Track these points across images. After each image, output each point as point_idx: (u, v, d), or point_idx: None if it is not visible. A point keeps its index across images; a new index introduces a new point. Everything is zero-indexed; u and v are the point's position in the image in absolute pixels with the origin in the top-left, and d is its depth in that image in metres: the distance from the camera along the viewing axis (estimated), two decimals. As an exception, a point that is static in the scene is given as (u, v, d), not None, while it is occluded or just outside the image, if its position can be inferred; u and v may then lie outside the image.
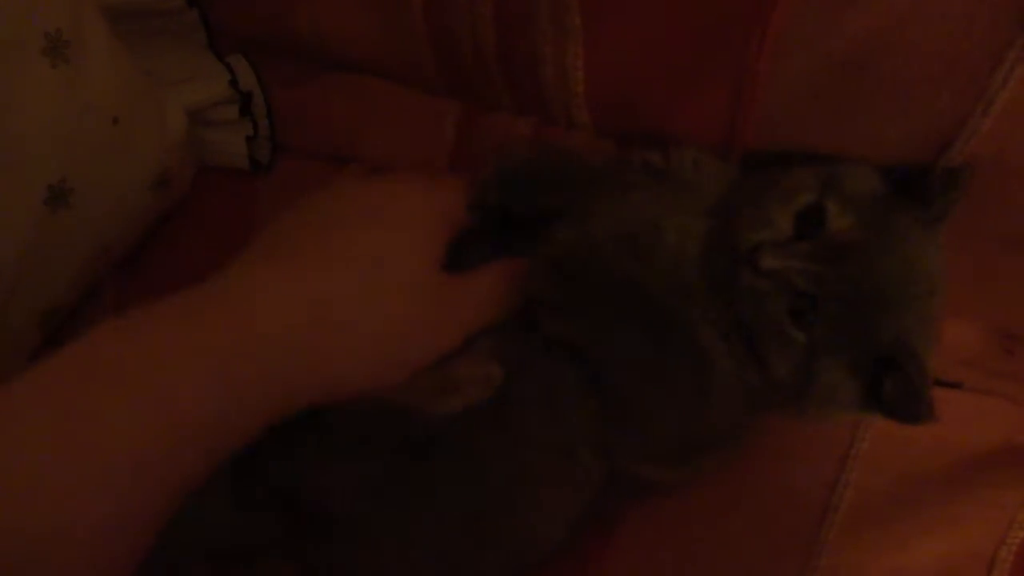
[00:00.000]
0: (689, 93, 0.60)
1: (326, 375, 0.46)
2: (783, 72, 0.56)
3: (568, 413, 0.51)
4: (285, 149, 0.70)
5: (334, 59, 0.66)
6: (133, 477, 0.41)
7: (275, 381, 0.44)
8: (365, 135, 0.68)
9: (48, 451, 0.40)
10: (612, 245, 0.51)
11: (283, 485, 0.50)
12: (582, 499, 0.53)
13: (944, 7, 0.51)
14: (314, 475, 0.50)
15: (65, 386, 0.42)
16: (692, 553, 0.60)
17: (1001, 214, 0.59)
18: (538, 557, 0.55)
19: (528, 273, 0.52)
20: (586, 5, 0.58)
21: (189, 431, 0.42)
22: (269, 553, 0.52)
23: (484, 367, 0.49)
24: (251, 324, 0.44)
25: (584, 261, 0.51)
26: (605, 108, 0.63)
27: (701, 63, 0.58)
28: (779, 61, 0.56)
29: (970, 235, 0.60)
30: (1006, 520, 0.61)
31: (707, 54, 0.58)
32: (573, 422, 0.51)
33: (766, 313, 0.47)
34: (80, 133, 0.58)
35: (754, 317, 0.48)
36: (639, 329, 0.50)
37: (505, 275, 0.52)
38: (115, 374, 0.42)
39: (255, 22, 0.65)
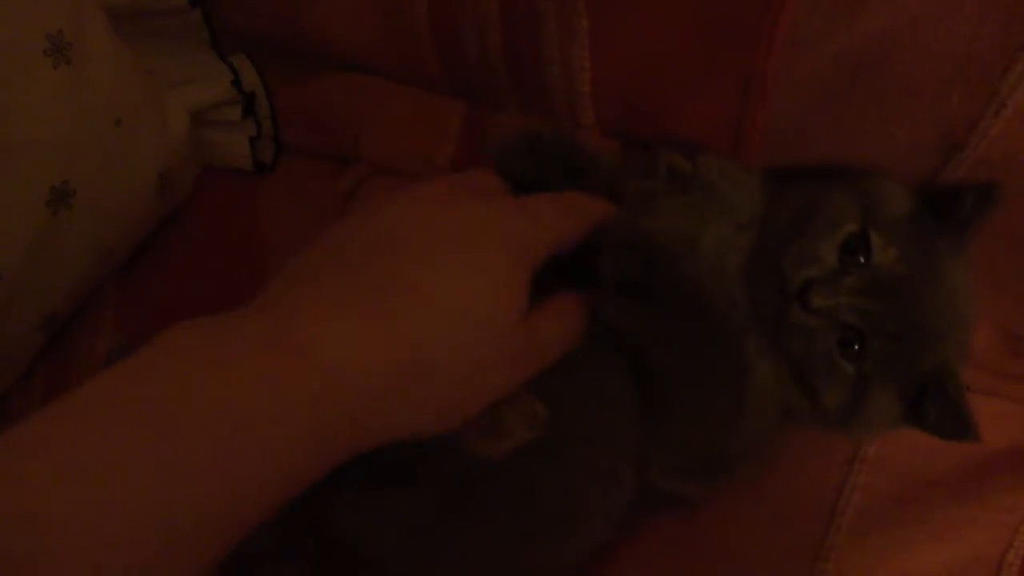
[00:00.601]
0: (696, 94, 0.60)
1: (407, 420, 0.42)
2: (792, 73, 0.56)
3: (613, 428, 0.50)
4: (288, 149, 0.70)
5: (338, 59, 0.66)
6: (194, 526, 0.35)
7: (355, 427, 0.40)
8: (369, 135, 0.68)
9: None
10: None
11: (322, 516, 0.48)
12: (615, 518, 0.53)
13: (955, 8, 0.51)
14: (357, 509, 0.48)
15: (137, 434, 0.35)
16: (699, 557, 0.60)
17: (1010, 216, 0.58)
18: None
19: (603, 254, 0.48)
20: (593, 7, 0.57)
21: (256, 481, 0.37)
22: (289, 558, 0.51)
23: (530, 406, 0.47)
24: (334, 368, 0.39)
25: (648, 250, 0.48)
26: (611, 109, 0.63)
27: (708, 64, 0.58)
28: (788, 62, 0.55)
29: (979, 236, 0.60)
30: (1013, 524, 0.61)
31: (715, 55, 0.57)
32: (617, 437, 0.50)
33: (816, 347, 0.48)
34: (82, 134, 0.57)
35: (803, 351, 0.48)
36: (690, 322, 0.48)
37: (577, 305, 0.48)
38: (175, 410, 0.36)
39: (258, 22, 0.65)
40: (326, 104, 0.68)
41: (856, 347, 0.47)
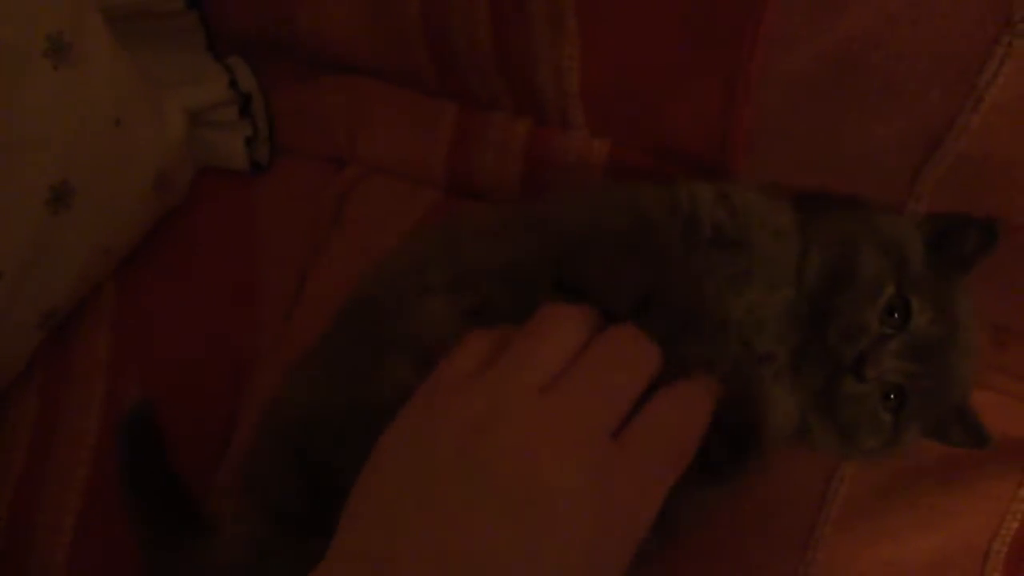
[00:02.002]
0: (683, 93, 0.61)
1: None
2: (775, 72, 0.57)
3: None
4: (284, 150, 0.71)
5: (333, 61, 0.67)
6: None
7: None
8: (364, 136, 0.69)
9: None
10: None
11: None
12: None
13: (932, 5, 0.52)
14: None
15: None
16: (688, 548, 0.60)
17: (990, 207, 0.59)
18: None
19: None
20: (582, 7, 0.58)
21: None
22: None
23: None
24: None
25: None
26: (600, 108, 0.64)
27: (694, 63, 0.59)
28: (771, 61, 0.57)
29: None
30: (1000, 512, 0.61)
31: (700, 54, 0.58)
32: None
33: (861, 407, 0.51)
34: (81, 135, 0.58)
35: (849, 411, 0.52)
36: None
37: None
38: None
39: (254, 24, 0.66)
40: (321, 106, 0.69)
41: (896, 401, 0.52)
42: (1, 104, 0.54)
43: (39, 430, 0.65)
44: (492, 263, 0.51)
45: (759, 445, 0.48)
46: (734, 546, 0.61)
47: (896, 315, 0.51)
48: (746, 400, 0.48)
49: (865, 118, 0.58)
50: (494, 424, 0.41)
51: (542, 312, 0.45)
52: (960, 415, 0.55)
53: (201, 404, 0.65)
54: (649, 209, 0.52)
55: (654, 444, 0.43)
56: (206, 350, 0.67)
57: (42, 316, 0.63)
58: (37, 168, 0.57)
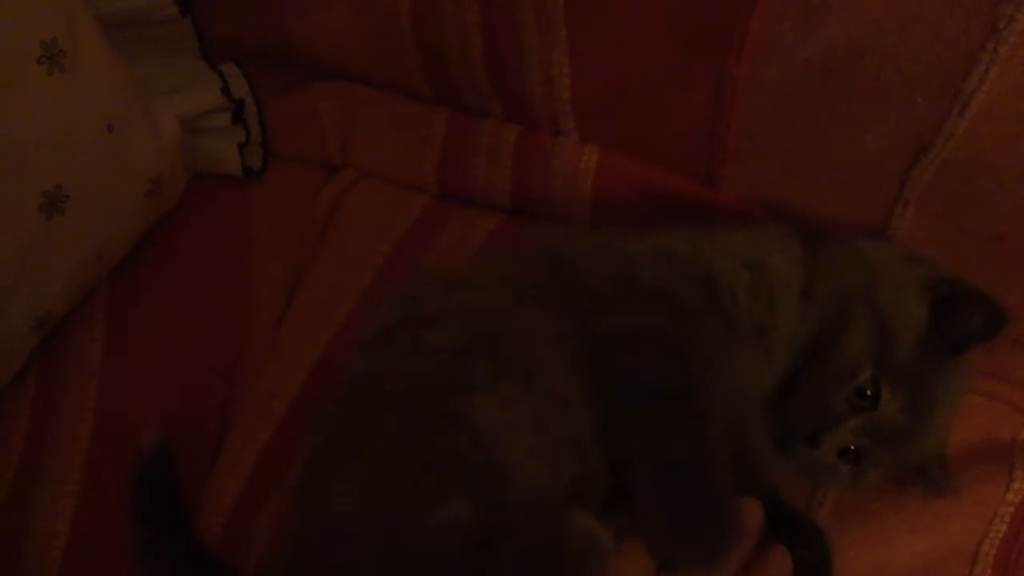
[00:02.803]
0: (671, 100, 0.62)
1: None
2: (762, 78, 0.58)
3: None
4: (277, 156, 0.71)
5: (325, 67, 0.68)
6: None
7: None
8: (356, 142, 0.70)
9: None
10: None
11: None
12: None
13: (916, 12, 0.53)
14: None
15: None
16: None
17: (978, 213, 0.60)
18: None
19: None
20: (571, 15, 0.59)
21: None
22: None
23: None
24: None
25: None
26: (590, 115, 0.65)
27: (682, 70, 0.60)
28: (758, 67, 0.57)
29: (948, 233, 0.62)
30: (988, 515, 0.62)
31: (688, 62, 0.59)
32: None
33: (818, 463, 0.54)
34: (75, 140, 0.59)
35: (807, 466, 0.54)
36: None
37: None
38: None
39: (247, 31, 0.66)
40: (314, 112, 0.70)
41: (852, 457, 0.54)
42: (-5, 109, 0.54)
43: (32, 435, 0.65)
44: (542, 359, 0.50)
45: None
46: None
47: (868, 392, 0.52)
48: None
49: (852, 124, 0.59)
50: None
51: None
52: (939, 471, 0.57)
53: (193, 408, 0.65)
54: (687, 299, 0.52)
55: None
56: (199, 355, 0.67)
57: (36, 321, 0.63)
58: (30, 173, 0.57)
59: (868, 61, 0.55)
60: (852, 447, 0.53)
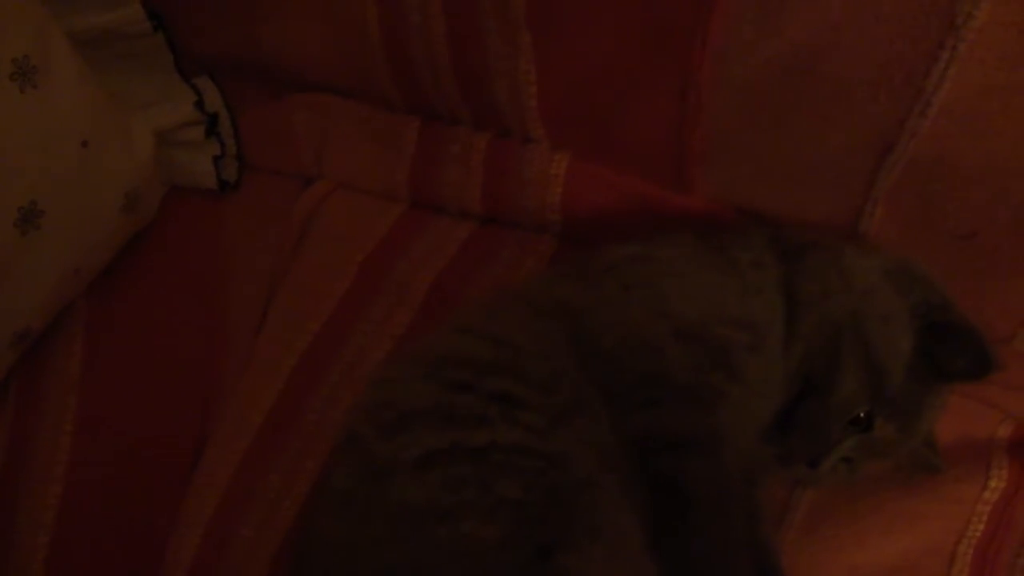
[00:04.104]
0: (637, 103, 0.62)
1: None
2: (725, 79, 0.58)
3: None
4: (252, 168, 0.72)
5: (297, 79, 0.69)
6: None
7: None
8: (329, 153, 0.70)
9: None
10: None
11: None
12: None
13: (875, 12, 0.53)
14: None
15: None
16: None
17: (947, 211, 0.60)
18: None
19: None
20: (535, 22, 0.59)
21: None
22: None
23: None
24: None
25: None
26: (558, 121, 0.65)
27: (647, 74, 0.60)
28: (720, 68, 0.57)
29: (919, 231, 0.62)
30: (965, 515, 0.62)
31: (652, 64, 0.59)
32: None
33: (817, 476, 0.57)
34: (49, 156, 0.59)
35: (805, 475, 0.58)
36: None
37: None
38: None
39: (220, 45, 0.67)
40: (288, 124, 0.70)
41: (846, 465, 0.57)
42: (-32, 128, 0.55)
43: (12, 448, 0.66)
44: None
45: None
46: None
47: (861, 423, 0.55)
48: None
49: (817, 125, 0.59)
50: None
51: None
52: (921, 448, 0.59)
53: (171, 418, 0.65)
54: (715, 385, 0.54)
55: None
56: (177, 366, 0.67)
57: (14, 336, 0.64)
58: (5, 190, 0.58)
59: (829, 61, 0.55)
60: (847, 458, 0.56)
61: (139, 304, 0.69)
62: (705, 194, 0.65)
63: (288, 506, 0.60)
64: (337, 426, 0.59)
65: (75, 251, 0.64)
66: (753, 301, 0.56)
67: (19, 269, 0.60)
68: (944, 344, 0.55)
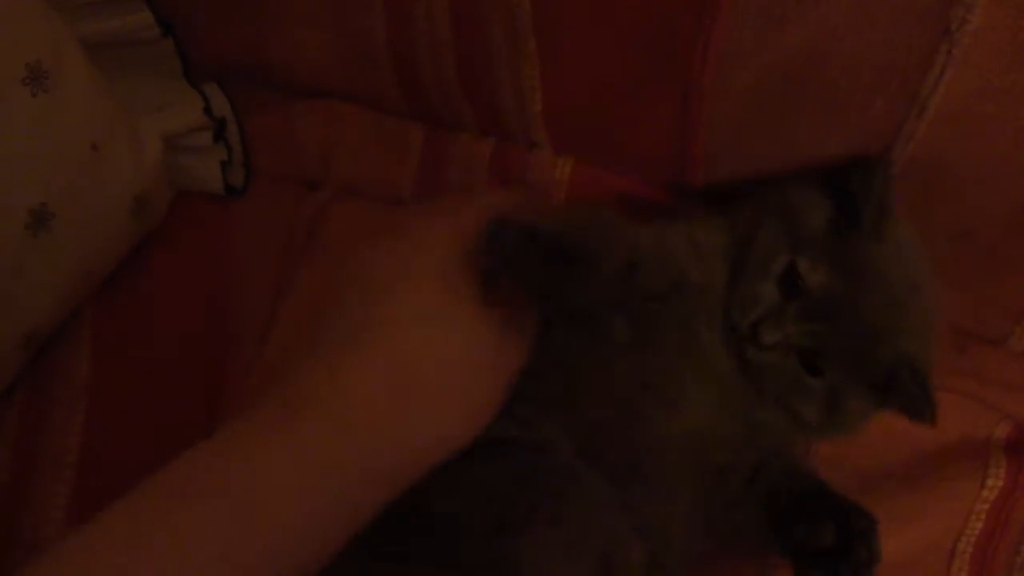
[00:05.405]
0: (641, 110, 0.63)
1: (411, 442, 0.46)
2: (727, 84, 0.59)
3: None
4: (259, 174, 0.72)
5: (304, 86, 0.69)
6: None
7: (372, 469, 0.44)
8: (335, 158, 0.71)
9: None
10: None
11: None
12: None
13: (872, 17, 0.54)
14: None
15: (163, 507, 0.41)
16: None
17: (944, 212, 0.61)
18: None
19: None
20: (541, 28, 0.60)
21: (291, 542, 0.42)
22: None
23: None
24: (342, 421, 0.44)
25: None
26: (562, 127, 0.66)
27: (650, 79, 0.61)
28: (722, 74, 0.58)
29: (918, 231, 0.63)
30: (964, 512, 0.62)
31: (655, 71, 0.60)
32: None
33: (783, 377, 0.53)
34: (60, 159, 0.60)
35: (772, 382, 0.53)
36: None
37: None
38: (212, 492, 0.42)
39: (228, 52, 0.68)
40: (294, 129, 0.71)
41: (817, 364, 0.52)
42: (-20, 130, 0.56)
43: (20, 451, 0.66)
44: None
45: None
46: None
47: (790, 279, 0.53)
48: None
49: (816, 129, 0.60)
50: None
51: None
52: (900, 377, 0.53)
53: (178, 421, 0.66)
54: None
55: None
56: (183, 371, 0.68)
57: (23, 338, 0.64)
58: (16, 192, 0.59)
59: (827, 67, 0.56)
60: (804, 347, 0.52)
61: (146, 307, 0.70)
62: (706, 197, 0.66)
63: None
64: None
65: (84, 253, 0.65)
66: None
67: (29, 271, 0.61)
68: (850, 178, 0.55)
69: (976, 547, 0.62)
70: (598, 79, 0.63)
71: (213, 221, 0.72)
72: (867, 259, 0.53)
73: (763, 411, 0.54)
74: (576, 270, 0.50)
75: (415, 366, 0.46)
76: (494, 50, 0.62)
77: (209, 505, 0.41)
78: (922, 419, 0.53)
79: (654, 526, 0.51)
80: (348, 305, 0.49)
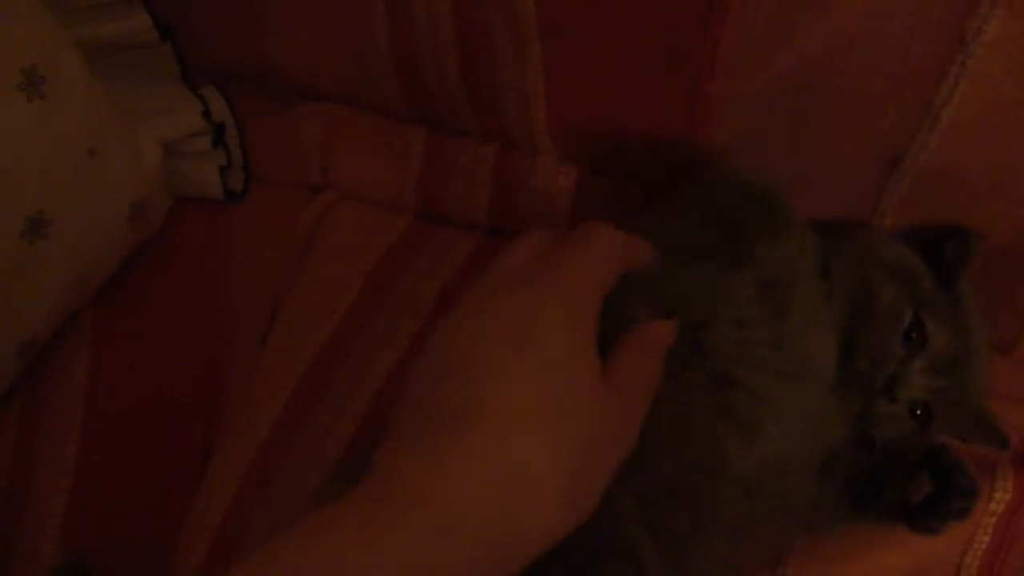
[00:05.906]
0: (646, 117, 0.62)
1: (516, 541, 0.42)
2: (735, 93, 0.58)
3: None
4: (258, 178, 0.72)
5: (304, 89, 0.69)
6: None
7: (474, 571, 0.40)
8: (336, 163, 0.70)
9: None
10: None
11: None
12: None
13: (885, 26, 0.53)
14: None
15: None
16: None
17: (955, 220, 0.60)
18: None
19: None
20: (545, 33, 0.59)
21: None
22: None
23: None
24: (452, 524, 0.40)
25: None
26: (567, 134, 0.65)
27: (656, 87, 0.60)
28: (730, 83, 0.58)
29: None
30: (971, 525, 0.61)
31: (661, 78, 0.59)
32: None
33: (895, 425, 0.55)
34: (57, 166, 0.60)
35: (885, 430, 0.55)
36: None
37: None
38: None
39: (227, 55, 0.67)
40: (294, 134, 0.70)
41: (924, 416, 0.55)
42: (-25, 137, 0.55)
43: (18, 459, 0.66)
44: None
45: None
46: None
47: (914, 335, 0.54)
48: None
49: (826, 138, 0.59)
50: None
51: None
52: (979, 418, 0.58)
53: (177, 428, 0.66)
54: None
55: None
56: (183, 375, 0.67)
57: (20, 345, 0.64)
58: (12, 199, 0.58)
59: (838, 76, 0.55)
60: (924, 401, 0.54)
61: (145, 313, 0.69)
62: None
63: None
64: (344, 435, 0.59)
65: (82, 260, 0.65)
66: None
67: (26, 278, 0.61)
68: (935, 250, 0.57)
69: (983, 560, 0.61)
70: (603, 86, 0.62)
71: (212, 226, 0.71)
72: (963, 315, 0.56)
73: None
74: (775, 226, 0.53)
75: (528, 467, 0.42)
76: (498, 54, 0.61)
77: None
78: (998, 448, 0.59)
79: None
80: (458, 385, 0.43)
